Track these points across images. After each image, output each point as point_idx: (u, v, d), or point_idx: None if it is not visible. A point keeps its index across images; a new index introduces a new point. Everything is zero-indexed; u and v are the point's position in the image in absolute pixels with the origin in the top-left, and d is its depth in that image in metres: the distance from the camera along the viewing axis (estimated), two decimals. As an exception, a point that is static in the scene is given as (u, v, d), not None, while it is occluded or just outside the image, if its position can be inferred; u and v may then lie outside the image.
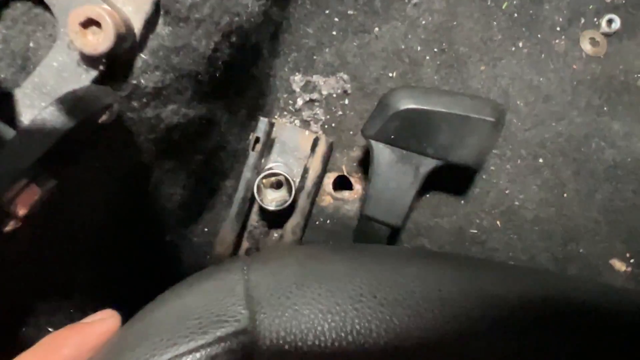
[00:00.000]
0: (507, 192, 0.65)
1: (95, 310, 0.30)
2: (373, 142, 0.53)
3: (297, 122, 0.62)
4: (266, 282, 0.31)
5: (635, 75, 0.69)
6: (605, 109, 0.67)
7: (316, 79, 0.61)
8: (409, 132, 0.52)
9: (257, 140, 0.58)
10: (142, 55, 0.33)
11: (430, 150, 0.53)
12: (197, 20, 0.34)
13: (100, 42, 0.28)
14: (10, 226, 0.28)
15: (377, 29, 0.62)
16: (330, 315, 0.29)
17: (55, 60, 0.30)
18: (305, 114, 0.62)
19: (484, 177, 0.65)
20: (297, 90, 0.61)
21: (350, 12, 0.62)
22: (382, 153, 0.53)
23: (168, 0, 0.32)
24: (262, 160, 0.59)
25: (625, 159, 0.65)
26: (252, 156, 0.58)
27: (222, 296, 0.30)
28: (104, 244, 0.35)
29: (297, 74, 0.61)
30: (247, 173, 0.58)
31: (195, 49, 0.34)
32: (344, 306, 0.30)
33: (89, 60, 0.30)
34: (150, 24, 0.32)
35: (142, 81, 0.33)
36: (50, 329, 0.35)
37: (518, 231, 0.65)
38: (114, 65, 0.32)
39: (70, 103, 0.28)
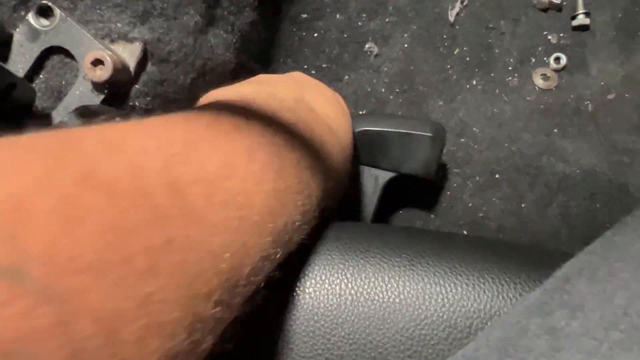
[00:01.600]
0: (470, 205, 0.75)
1: None
2: (338, 161, 0.65)
3: (286, 156, 0.76)
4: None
5: (586, 102, 0.79)
6: (555, 130, 0.77)
7: (300, 120, 0.76)
8: (366, 150, 0.64)
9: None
10: (137, 86, 0.48)
11: (385, 164, 0.65)
12: (175, 61, 0.49)
13: (103, 73, 0.44)
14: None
15: (347, 77, 0.76)
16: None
17: (77, 90, 0.46)
18: (293, 149, 0.76)
19: (448, 193, 0.75)
20: (285, 130, 0.76)
21: (324, 65, 0.77)
22: (347, 169, 0.65)
23: (152, 48, 0.47)
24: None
25: (575, 171, 0.74)
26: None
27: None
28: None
29: (284, 117, 0.76)
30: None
31: (176, 82, 0.49)
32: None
33: (98, 87, 0.45)
34: (141, 64, 0.47)
35: (137, 103, 0.48)
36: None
37: (484, 239, 0.74)
38: (117, 93, 0.47)
39: (82, 112, 0.42)
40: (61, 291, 0.15)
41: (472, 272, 0.41)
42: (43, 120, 0.46)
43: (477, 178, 0.75)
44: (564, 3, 0.80)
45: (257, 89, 0.39)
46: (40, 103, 0.46)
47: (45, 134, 0.19)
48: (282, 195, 0.29)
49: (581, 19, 0.79)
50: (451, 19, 0.77)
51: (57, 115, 0.46)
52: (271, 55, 0.74)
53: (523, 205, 0.74)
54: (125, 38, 0.46)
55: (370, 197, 0.66)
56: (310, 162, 0.36)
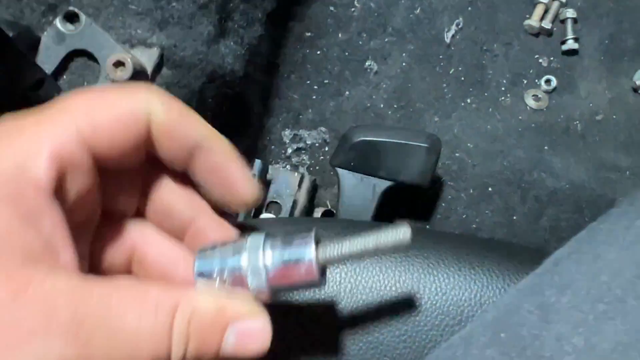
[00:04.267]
0: (464, 217, 0.78)
1: None
2: (338, 169, 0.69)
3: (287, 166, 0.79)
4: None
5: (575, 122, 0.83)
6: (546, 147, 0.81)
7: (302, 132, 0.79)
8: (365, 159, 0.68)
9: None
10: (153, 88, 0.51)
11: (382, 173, 0.68)
12: (188, 67, 0.52)
13: (124, 73, 0.47)
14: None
15: (347, 92, 0.80)
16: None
17: (98, 89, 0.49)
18: (294, 159, 0.79)
19: (443, 205, 0.78)
20: (287, 141, 0.79)
21: (326, 81, 0.81)
22: (346, 177, 0.69)
23: (169, 53, 0.51)
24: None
25: (565, 186, 0.78)
26: (250, 189, 0.74)
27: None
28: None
29: (286, 129, 0.80)
30: (246, 202, 0.74)
31: (187, 85, 0.53)
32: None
33: (118, 87, 0.49)
34: (157, 68, 0.51)
35: (152, 104, 0.51)
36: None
37: (477, 250, 0.77)
38: (134, 94, 0.50)
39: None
40: None
41: (463, 264, 0.44)
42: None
43: (471, 191, 0.78)
44: (554, 28, 0.85)
45: None
46: (62, 102, 0.50)
47: None
48: None
49: (570, 44, 0.83)
50: (447, 40, 0.82)
51: (78, 113, 0.49)
52: (276, 69, 0.78)
53: (514, 217, 0.77)
54: (144, 43, 0.50)
55: (367, 206, 0.69)
56: None
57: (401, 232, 0.26)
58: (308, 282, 0.27)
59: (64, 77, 0.50)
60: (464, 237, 0.49)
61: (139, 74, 0.49)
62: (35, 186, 0.21)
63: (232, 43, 0.59)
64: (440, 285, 0.43)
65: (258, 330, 0.25)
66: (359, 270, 0.44)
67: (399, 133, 0.67)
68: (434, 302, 0.42)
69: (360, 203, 0.69)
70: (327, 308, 0.43)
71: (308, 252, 0.26)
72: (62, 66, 0.50)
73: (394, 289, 0.43)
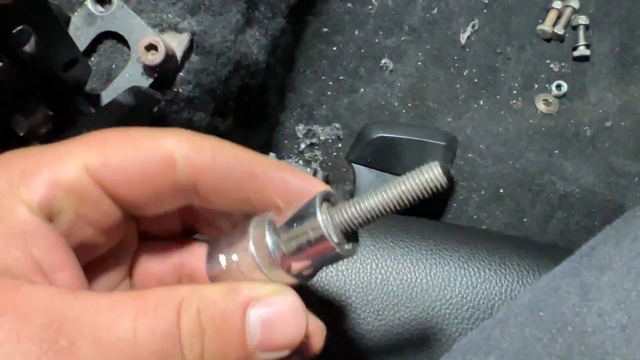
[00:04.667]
0: (475, 217, 0.78)
1: None
2: (354, 165, 0.68)
3: (300, 161, 0.79)
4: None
5: (585, 128, 0.84)
6: (556, 151, 0.81)
7: (315, 128, 0.79)
8: (381, 156, 0.67)
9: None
10: (181, 74, 0.51)
11: (398, 170, 0.68)
12: (217, 54, 0.52)
13: (156, 57, 0.46)
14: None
15: (362, 89, 0.80)
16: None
17: (128, 72, 0.49)
18: (307, 155, 0.79)
19: (454, 205, 0.78)
20: (300, 136, 0.79)
21: (341, 77, 0.81)
22: (362, 173, 0.68)
23: (199, 39, 0.51)
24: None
25: (575, 190, 0.78)
26: (263, 183, 0.74)
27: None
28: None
29: (300, 124, 0.79)
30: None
31: (214, 73, 0.52)
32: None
33: (148, 71, 0.48)
34: (186, 54, 0.50)
35: (180, 90, 0.51)
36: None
37: (487, 251, 0.77)
38: (164, 78, 0.50)
39: (135, 92, 0.45)
40: None
41: (493, 259, 0.44)
42: (92, 99, 0.48)
43: (482, 192, 0.78)
44: (566, 34, 0.85)
45: None
46: (89, 84, 0.49)
47: None
48: None
49: (582, 50, 0.84)
50: (462, 41, 0.82)
51: (105, 96, 0.49)
52: (292, 63, 0.78)
53: (525, 219, 0.78)
54: (175, 28, 0.50)
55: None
56: None
57: (430, 171, 0.22)
58: (326, 250, 0.22)
59: (92, 59, 0.50)
60: (495, 233, 0.49)
61: (169, 59, 0.48)
62: (26, 206, 0.21)
63: (257, 34, 0.58)
64: (470, 279, 0.43)
65: (286, 310, 0.22)
66: (390, 262, 0.43)
67: (417, 130, 0.67)
68: (465, 296, 0.42)
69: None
70: (358, 298, 0.42)
71: (314, 217, 0.22)
72: (91, 48, 0.49)
73: (424, 281, 0.43)
